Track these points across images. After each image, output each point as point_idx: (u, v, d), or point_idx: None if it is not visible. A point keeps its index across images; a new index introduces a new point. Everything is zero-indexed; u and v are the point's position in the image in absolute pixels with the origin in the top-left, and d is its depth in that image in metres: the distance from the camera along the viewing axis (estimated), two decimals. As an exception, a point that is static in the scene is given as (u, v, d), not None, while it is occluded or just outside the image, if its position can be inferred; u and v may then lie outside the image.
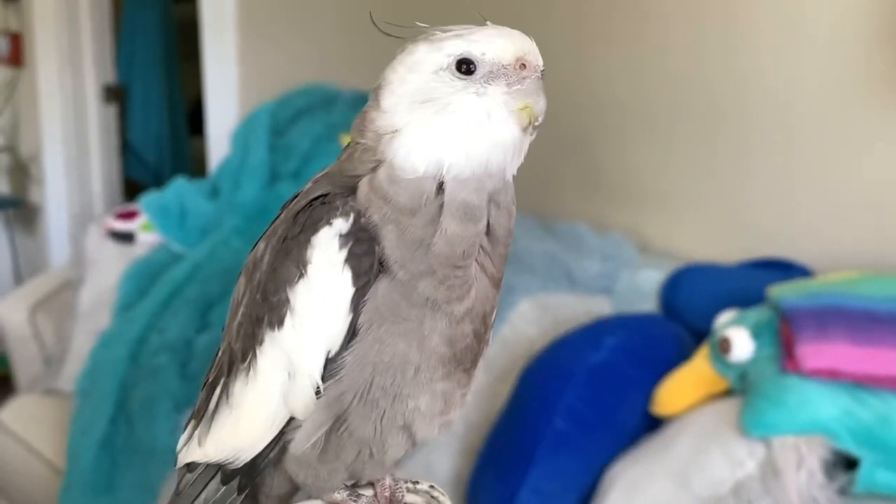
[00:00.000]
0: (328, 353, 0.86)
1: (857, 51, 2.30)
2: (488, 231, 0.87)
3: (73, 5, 4.52)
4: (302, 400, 0.87)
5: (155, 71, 5.15)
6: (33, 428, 3.10)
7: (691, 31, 2.62)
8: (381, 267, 0.84)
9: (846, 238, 2.38)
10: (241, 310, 0.92)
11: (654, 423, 2.11)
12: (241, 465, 0.93)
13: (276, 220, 0.92)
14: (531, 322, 2.44)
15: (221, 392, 0.93)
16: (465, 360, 0.89)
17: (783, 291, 2.05)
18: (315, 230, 0.86)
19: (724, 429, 1.92)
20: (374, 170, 0.85)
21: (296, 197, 0.91)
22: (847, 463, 1.85)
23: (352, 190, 0.86)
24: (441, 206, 0.84)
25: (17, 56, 4.75)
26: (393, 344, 0.85)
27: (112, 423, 2.69)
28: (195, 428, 0.97)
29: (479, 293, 0.88)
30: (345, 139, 3.10)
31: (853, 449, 1.81)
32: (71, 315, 3.26)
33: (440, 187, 0.84)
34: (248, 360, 0.90)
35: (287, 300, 0.86)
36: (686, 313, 2.37)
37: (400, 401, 0.87)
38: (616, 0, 2.78)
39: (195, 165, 5.04)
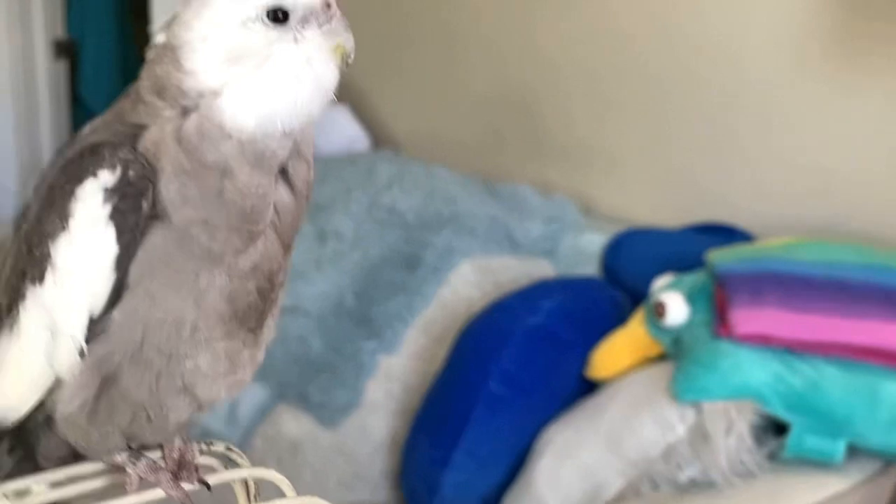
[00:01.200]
0: (91, 313, 0.81)
1: (806, 14, 2.29)
2: (289, 184, 0.84)
3: (22, -44, 4.45)
4: (65, 360, 0.83)
5: (107, 26, 5.07)
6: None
7: (639, -8, 2.60)
8: (157, 216, 0.80)
9: (789, 204, 2.37)
10: (9, 261, 0.88)
11: (590, 387, 2.10)
12: (10, 424, 0.90)
13: (49, 166, 0.87)
14: (471, 284, 2.43)
15: None
16: (248, 318, 0.86)
17: (720, 256, 2.04)
18: (80, 181, 0.81)
19: (656, 393, 1.91)
20: (174, 121, 0.81)
21: (72, 140, 0.86)
22: (777, 428, 1.85)
23: (131, 139, 0.81)
24: (244, 157, 0.80)
25: (-35, 9, 4.67)
26: (165, 299, 0.81)
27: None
28: None
29: (267, 250, 0.84)
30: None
31: (783, 414, 1.81)
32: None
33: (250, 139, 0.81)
34: (13, 314, 0.86)
35: (48, 254, 0.82)
36: (627, 277, 2.37)
37: (176, 361, 0.83)
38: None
39: (147, 123, 4.99)
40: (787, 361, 1.82)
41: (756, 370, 1.82)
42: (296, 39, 0.81)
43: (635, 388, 1.97)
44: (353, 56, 0.83)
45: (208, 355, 0.84)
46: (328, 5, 0.82)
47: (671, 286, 2.05)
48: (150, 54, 0.84)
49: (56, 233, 0.81)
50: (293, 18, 0.81)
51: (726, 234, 2.38)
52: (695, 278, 2.04)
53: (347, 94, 3.20)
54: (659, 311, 2.00)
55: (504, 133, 2.93)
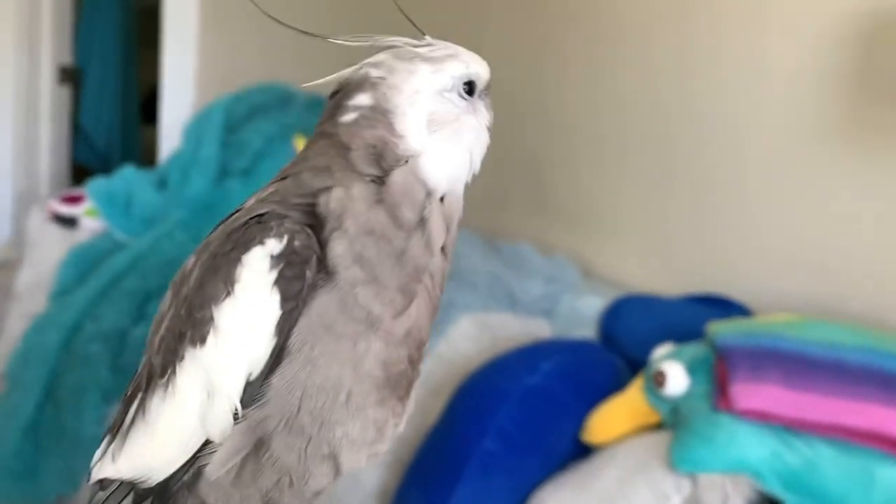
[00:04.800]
0: (249, 375, 0.83)
1: (814, 95, 2.32)
2: (443, 249, 0.88)
3: (33, -17, 4.47)
4: (219, 422, 0.85)
5: (112, 55, 5.10)
6: (-42, 408, 3.05)
7: (650, 58, 2.63)
8: (317, 285, 0.82)
9: (788, 280, 2.40)
10: (165, 324, 0.89)
11: (584, 451, 2.11)
12: (153, 484, 0.90)
13: (210, 234, 0.90)
14: (469, 339, 2.44)
15: (138, 407, 0.91)
16: (399, 386, 0.88)
17: (722, 329, 2.06)
18: (247, 249, 0.84)
19: (652, 462, 1.92)
20: (366, 182, 0.85)
21: (235, 213, 0.89)
22: (771, 505, 1.86)
23: (306, 206, 0.85)
24: (441, 216, 0.86)
25: (-28, 29, 4.68)
26: (326, 365, 0.83)
27: (39, 409, 2.65)
28: (110, 443, 0.94)
29: (419, 315, 0.87)
30: (299, 140, 3.08)
31: (778, 492, 1.82)
32: (6, 296, 3.21)
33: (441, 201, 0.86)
34: (168, 375, 0.87)
35: (211, 318, 0.84)
36: (624, 342, 2.38)
37: (328, 428, 0.85)
38: (574, 23, 2.78)
39: (145, 155, 5.00)
40: (785, 439, 1.84)
41: (754, 446, 1.83)
42: (475, 112, 0.88)
43: (631, 455, 1.98)
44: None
45: (359, 423, 0.86)
46: (487, 84, 0.89)
47: (672, 356, 2.06)
48: (351, 115, 0.87)
49: (220, 297, 0.84)
50: (475, 93, 0.88)
51: (723, 306, 2.39)
52: (695, 349, 2.06)
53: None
54: (659, 379, 2.01)
55: (508, 192, 2.95)
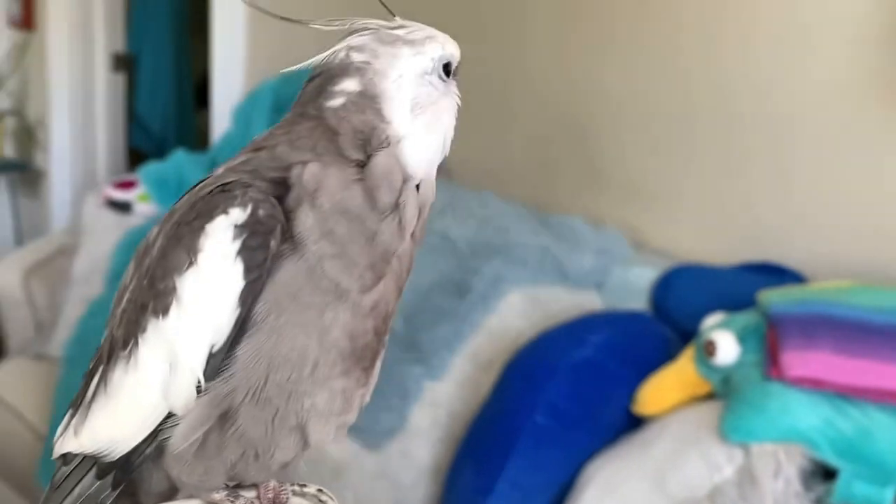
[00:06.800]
0: (212, 347, 0.82)
1: (862, 56, 2.28)
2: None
3: (86, -29, 4.51)
4: (182, 394, 0.83)
5: (165, 42, 5.13)
6: (20, 392, 3.10)
7: (698, 30, 2.60)
8: (283, 254, 0.81)
9: (841, 246, 2.36)
10: (127, 295, 0.88)
11: (635, 422, 2.10)
12: (116, 458, 0.89)
13: (176, 203, 0.89)
14: (520, 314, 2.43)
15: (100, 380, 0.89)
16: (364, 357, 0.86)
17: (772, 297, 2.03)
18: (210, 218, 0.82)
19: (704, 432, 1.91)
20: (346, 162, 0.83)
21: (203, 181, 0.87)
22: (825, 473, 1.83)
23: (277, 178, 0.83)
24: (415, 201, 0.84)
25: (28, 19, 4.74)
26: (291, 336, 0.81)
27: (97, 392, 2.68)
28: (72, 417, 0.93)
29: (386, 291, 0.86)
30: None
31: (832, 460, 1.80)
32: (65, 281, 3.26)
33: (417, 186, 0.85)
34: (130, 347, 0.86)
35: (174, 288, 0.83)
36: (676, 313, 2.36)
37: (295, 399, 0.83)
38: (625, -6, 2.76)
39: (200, 139, 5.04)
40: (838, 406, 1.81)
41: (806, 414, 1.81)
42: (452, 94, 0.87)
43: (683, 425, 1.96)
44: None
45: (326, 394, 0.85)
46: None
47: (722, 325, 2.04)
48: (339, 100, 0.85)
49: (183, 267, 0.83)
50: (451, 74, 0.87)
51: (777, 274, 2.36)
52: (746, 318, 2.04)
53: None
54: (709, 349, 1.99)
55: (558, 163, 2.94)
